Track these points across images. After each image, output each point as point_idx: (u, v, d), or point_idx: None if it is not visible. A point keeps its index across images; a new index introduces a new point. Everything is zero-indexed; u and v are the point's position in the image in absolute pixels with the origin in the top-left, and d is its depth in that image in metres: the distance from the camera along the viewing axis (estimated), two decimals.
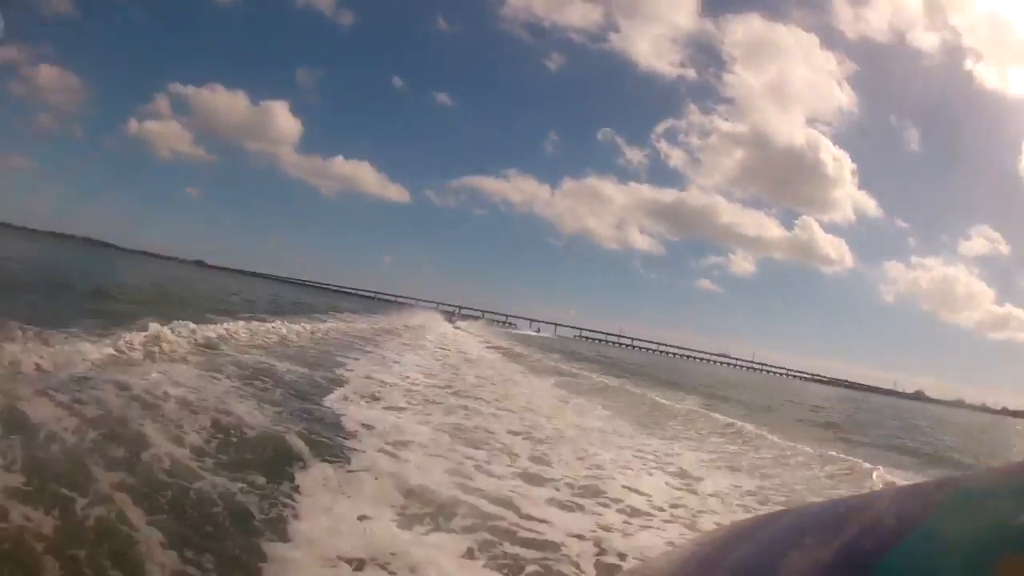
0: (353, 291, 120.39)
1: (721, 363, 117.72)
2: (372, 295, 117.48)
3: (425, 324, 34.26)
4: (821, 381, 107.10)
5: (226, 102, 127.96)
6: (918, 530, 0.68)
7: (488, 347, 27.93)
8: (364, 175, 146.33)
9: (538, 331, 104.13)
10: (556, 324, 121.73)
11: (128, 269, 42.62)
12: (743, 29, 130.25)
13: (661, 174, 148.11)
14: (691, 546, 1.31)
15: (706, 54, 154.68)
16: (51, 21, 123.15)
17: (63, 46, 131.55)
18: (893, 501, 0.78)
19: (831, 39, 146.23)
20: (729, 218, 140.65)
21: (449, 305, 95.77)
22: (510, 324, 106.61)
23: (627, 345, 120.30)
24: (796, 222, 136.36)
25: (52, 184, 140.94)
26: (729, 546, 1.00)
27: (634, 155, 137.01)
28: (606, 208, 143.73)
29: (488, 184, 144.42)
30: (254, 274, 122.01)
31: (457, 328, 43.33)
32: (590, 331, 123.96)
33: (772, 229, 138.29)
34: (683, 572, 1.06)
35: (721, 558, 0.97)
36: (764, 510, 5.11)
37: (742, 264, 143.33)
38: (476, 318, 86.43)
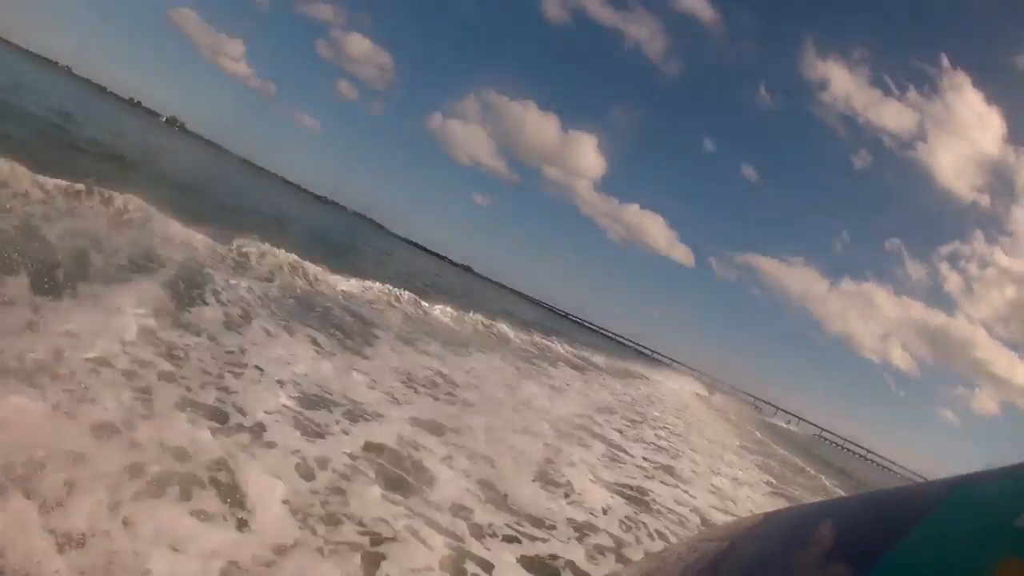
0: (612, 335, 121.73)
1: None
2: (636, 346, 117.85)
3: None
4: None
5: (536, 121, 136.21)
6: (917, 531, 0.68)
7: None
8: (655, 228, 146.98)
9: (789, 423, 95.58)
10: (811, 423, 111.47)
11: (403, 255, 46.42)
12: None
13: (935, 295, 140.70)
14: (691, 544, 1.30)
15: (1002, 183, 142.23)
16: None
17: (382, 21, 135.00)
18: (893, 501, 0.79)
19: None
20: (985, 354, 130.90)
21: (714, 378, 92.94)
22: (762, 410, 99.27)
23: (861, 456, 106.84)
24: None
25: (335, 153, 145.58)
26: (729, 545, 0.98)
27: (915, 270, 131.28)
28: (876, 316, 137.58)
29: (771, 266, 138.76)
30: (521, 294, 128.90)
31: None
32: (831, 433, 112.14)
33: (1022, 374, 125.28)
34: (683, 571, 1.06)
35: (721, 557, 0.96)
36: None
37: (986, 402, 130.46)
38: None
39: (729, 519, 4.92)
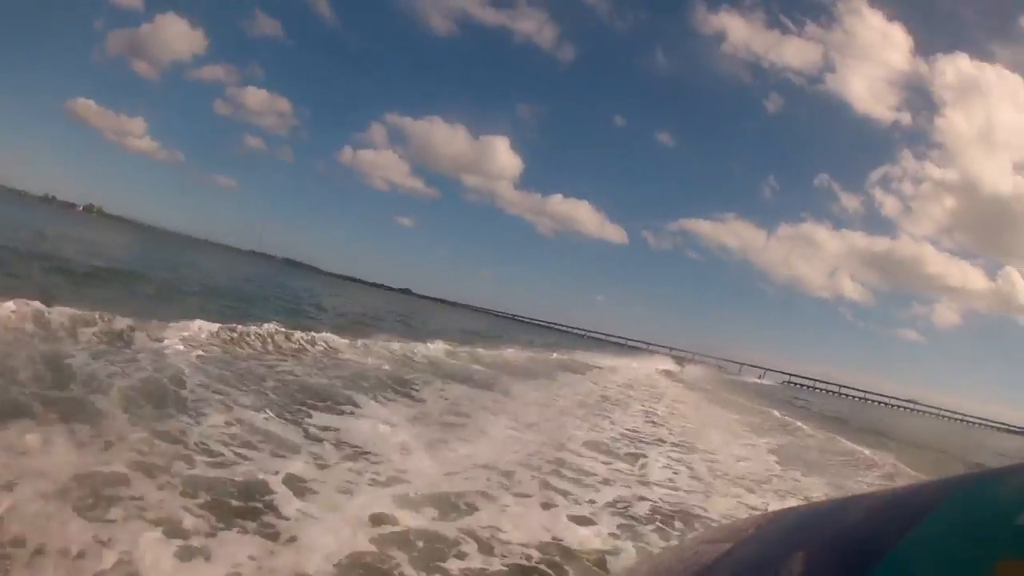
0: (567, 328, 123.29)
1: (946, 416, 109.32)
2: (603, 336, 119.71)
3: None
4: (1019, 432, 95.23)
5: (445, 134, 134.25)
6: (917, 530, 0.68)
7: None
8: (582, 214, 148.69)
9: (761, 377, 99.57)
10: (780, 372, 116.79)
11: (335, 294, 44.23)
12: (953, 70, 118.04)
13: (875, 222, 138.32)
14: (692, 545, 1.38)
15: (919, 96, 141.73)
16: (259, 44, 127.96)
17: (273, 70, 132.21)
18: (892, 501, 0.79)
19: None
20: (936, 268, 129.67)
21: (682, 351, 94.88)
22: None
23: (835, 392, 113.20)
24: (999, 273, 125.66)
25: (255, 206, 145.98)
26: (730, 546, 1.01)
27: (849, 201, 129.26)
28: (820, 255, 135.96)
29: (704, 227, 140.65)
30: (463, 306, 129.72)
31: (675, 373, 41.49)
32: (800, 376, 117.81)
33: (977, 280, 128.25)
34: (684, 571, 1.07)
35: (721, 557, 0.98)
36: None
37: (946, 315, 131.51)
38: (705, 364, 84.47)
39: (726, 521, 4.94)
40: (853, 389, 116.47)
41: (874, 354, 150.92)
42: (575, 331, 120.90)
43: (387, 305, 45.43)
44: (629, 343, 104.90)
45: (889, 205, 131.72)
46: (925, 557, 0.67)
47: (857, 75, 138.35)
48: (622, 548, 4.18)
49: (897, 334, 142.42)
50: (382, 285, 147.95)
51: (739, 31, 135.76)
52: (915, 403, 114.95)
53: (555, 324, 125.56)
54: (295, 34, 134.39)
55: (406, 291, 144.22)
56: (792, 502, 6.24)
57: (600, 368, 24.20)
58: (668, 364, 47.82)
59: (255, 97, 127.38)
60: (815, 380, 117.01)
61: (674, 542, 4.31)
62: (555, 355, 24.33)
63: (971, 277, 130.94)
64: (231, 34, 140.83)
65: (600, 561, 3.95)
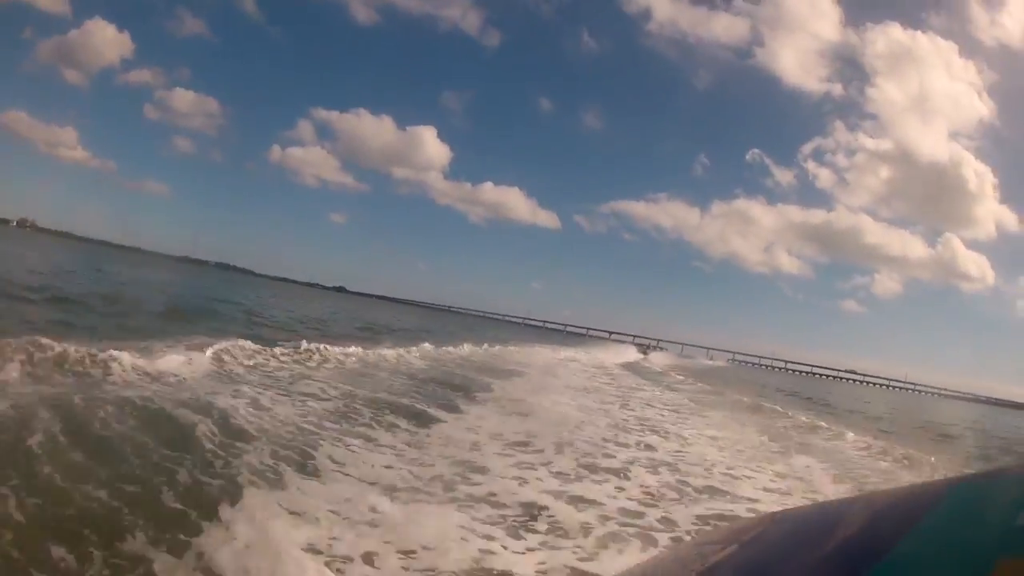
0: (507, 318, 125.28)
1: (893, 386, 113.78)
2: (539, 324, 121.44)
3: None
4: (966, 399, 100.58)
5: (372, 127, 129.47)
6: (916, 531, 0.69)
7: None
8: (514, 201, 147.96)
9: (711, 359, 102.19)
10: (726, 351, 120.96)
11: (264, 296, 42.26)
12: (884, 39, 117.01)
13: (810, 194, 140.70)
14: (692, 546, 1.39)
15: (850, 67, 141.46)
16: (185, 45, 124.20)
17: (199, 70, 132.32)
18: (891, 502, 0.80)
19: (970, 47, 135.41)
20: (874, 238, 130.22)
21: (645, 338, 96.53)
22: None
23: (780, 368, 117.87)
24: (939, 240, 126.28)
25: (188, 210, 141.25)
26: (729, 546, 1.01)
27: (783, 176, 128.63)
28: (755, 231, 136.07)
29: (637, 208, 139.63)
30: (400, 300, 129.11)
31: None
32: (744, 355, 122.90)
33: (916, 248, 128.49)
34: (683, 572, 1.07)
35: (721, 558, 0.99)
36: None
37: (887, 284, 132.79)
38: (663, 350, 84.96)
39: (723, 524, 4.85)
40: (803, 364, 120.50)
41: (816, 326, 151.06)
42: (511, 319, 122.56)
43: (331, 306, 44.90)
44: (568, 329, 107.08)
45: (824, 177, 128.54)
46: (925, 557, 0.68)
47: (786, 48, 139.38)
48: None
49: (839, 306, 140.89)
50: (317, 284, 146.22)
51: (665, 8, 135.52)
52: (855, 373, 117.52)
53: (492, 314, 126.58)
54: (220, 32, 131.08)
55: (340, 288, 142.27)
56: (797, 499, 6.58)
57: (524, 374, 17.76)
58: (626, 355, 45.66)
59: (183, 99, 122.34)
60: (761, 357, 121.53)
61: (675, 543, 4.33)
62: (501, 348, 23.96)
63: (911, 245, 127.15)
64: (157, 35, 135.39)
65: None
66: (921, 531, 0.70)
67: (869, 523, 0.77)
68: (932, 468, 10.07)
